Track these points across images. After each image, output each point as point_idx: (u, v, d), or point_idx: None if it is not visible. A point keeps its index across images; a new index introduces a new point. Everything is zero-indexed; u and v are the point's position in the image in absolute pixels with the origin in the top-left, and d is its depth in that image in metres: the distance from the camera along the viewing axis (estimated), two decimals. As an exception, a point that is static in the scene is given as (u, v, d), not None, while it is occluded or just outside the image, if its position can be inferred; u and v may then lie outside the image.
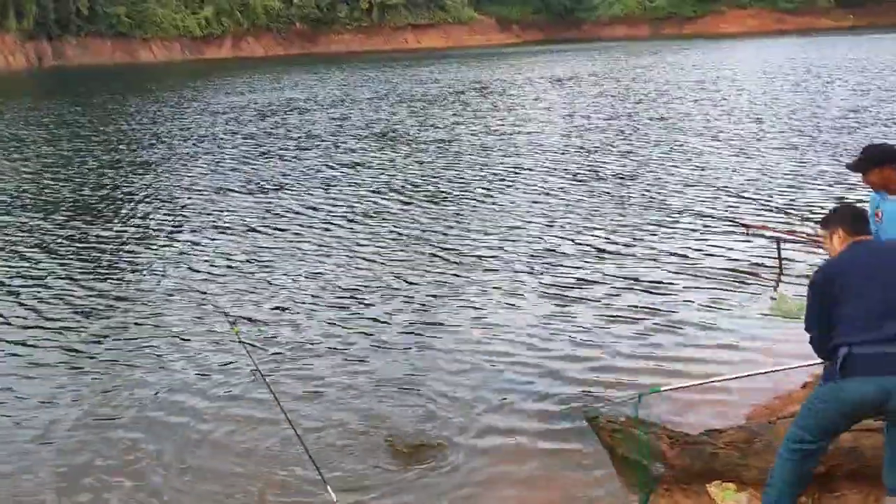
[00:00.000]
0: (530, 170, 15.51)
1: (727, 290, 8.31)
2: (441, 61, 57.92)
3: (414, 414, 5.90)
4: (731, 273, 8.83)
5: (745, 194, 12.56)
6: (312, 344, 7.29)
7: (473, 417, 5.79)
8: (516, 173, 15.20)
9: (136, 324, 7.95)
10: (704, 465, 4.40)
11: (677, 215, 11.45)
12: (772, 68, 37.24)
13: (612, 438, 5.13)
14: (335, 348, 7.18)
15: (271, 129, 23.89)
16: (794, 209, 11.43)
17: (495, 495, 4.91)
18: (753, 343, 6.94)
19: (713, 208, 11.80)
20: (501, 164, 16.34)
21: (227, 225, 12.04)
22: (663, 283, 8.59)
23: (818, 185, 13.22)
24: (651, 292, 8.31)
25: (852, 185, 12.56)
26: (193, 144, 21.27)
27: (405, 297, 8.49)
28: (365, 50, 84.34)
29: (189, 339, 7.49)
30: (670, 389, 5.23)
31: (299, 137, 21.75)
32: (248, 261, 10.06)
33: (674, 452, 4.60)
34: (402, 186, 14.56)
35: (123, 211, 13.52)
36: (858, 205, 4.40)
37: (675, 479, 4.53)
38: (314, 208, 13.01)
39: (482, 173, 15.44)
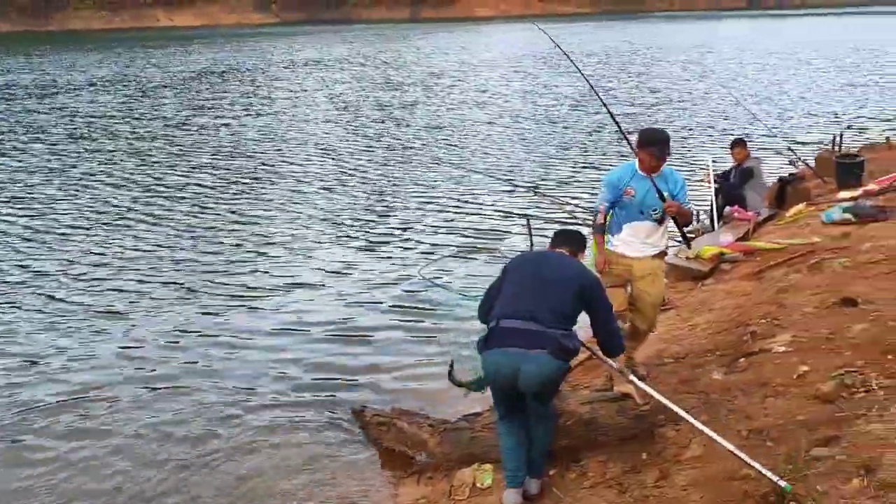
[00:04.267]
0: (290, 163, 15.09)
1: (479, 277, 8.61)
2: (194, 42, 54.67)
3: (188, 408, 5.64)
4: (487, 258, 9.16)
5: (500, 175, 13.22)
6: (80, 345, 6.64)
7: (241, 411, 5.58)
8: (273, 167, 14.71)
9: None
10: (464, 450, 4.46)
11: (440, 198, 11.77)
12: (517, 53, 39.48)
13: (378, 431, 5.10)
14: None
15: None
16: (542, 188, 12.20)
17: (264, 487, 4.72)
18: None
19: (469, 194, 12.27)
20: (256, 156, 15.73)
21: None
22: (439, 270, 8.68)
23: (560, 163, 14.26)
24: (415, 283, 8.30)
25: (589, 163, 13.72)
26: None
27: (160, 298, 7.85)
28: (108, 28, 77.29)
29: None
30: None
31: None
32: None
33: (435, 440, 4.63)
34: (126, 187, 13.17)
35: None
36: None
37: (437, 467, 4.57)
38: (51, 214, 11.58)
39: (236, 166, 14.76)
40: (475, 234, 9.88)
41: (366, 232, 10.13)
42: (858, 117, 17.86)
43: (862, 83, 23.88)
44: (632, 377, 3.96)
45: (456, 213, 10.97)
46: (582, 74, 6.69)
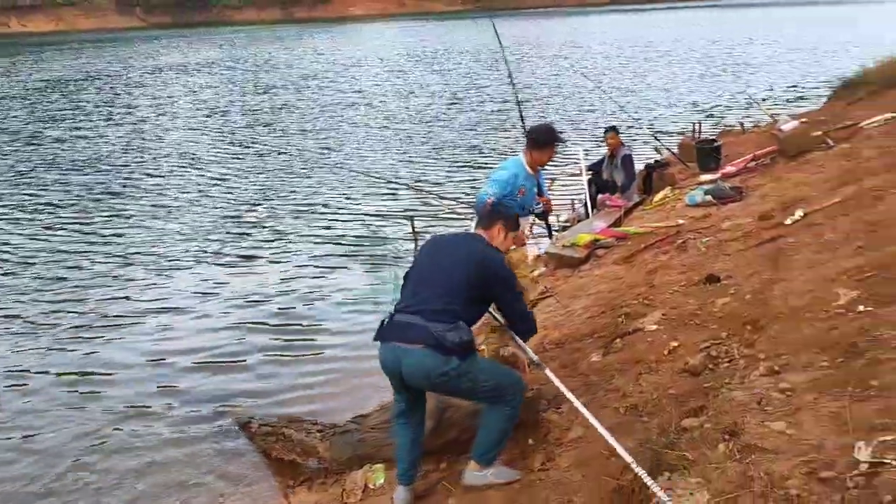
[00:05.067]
0: (156, 174, 14.47)
1: (364, 285, 8.53)
2: (48, 48, 51.41)
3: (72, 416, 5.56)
4: (370, 265, 9.14)
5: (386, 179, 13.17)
6: None
7: (125, 420, 5.51)
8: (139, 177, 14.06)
9: None
10: (354, 451, 4.42)
11: (316, 207, 11.59)
12: (392, 51, 39.45)
13: (266, 441, 4.98)
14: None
15: None
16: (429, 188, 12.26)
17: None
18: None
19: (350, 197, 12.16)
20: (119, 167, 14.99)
21: None
22: (310, 290, 8.52)
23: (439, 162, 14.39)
24: (296, 296, 8.20)
25: (466, 162, 13.90)
26: None
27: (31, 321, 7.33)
28: (-49, 35, 71.58)
29: None
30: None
31: None
32: None
33: (324, 445, 4.56)
34: None
35: None
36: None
37: (329, 471, 4.50)
38: None
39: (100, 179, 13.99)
40: (356, 241, 9.74)
41: (237, 246, 9.73)
42: (716, 105, 19.01)
43: (717, 73, 25.42)
44: (547, 371, 3.89)
45: (335, 219, 10.77)
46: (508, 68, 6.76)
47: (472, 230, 4.01)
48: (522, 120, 6.08)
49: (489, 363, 3.91)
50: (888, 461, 2.47)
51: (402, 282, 3.80)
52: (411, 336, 3.44)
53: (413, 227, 9.38)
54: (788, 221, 6.02)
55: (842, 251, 4.94)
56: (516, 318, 3.85)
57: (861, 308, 3.92)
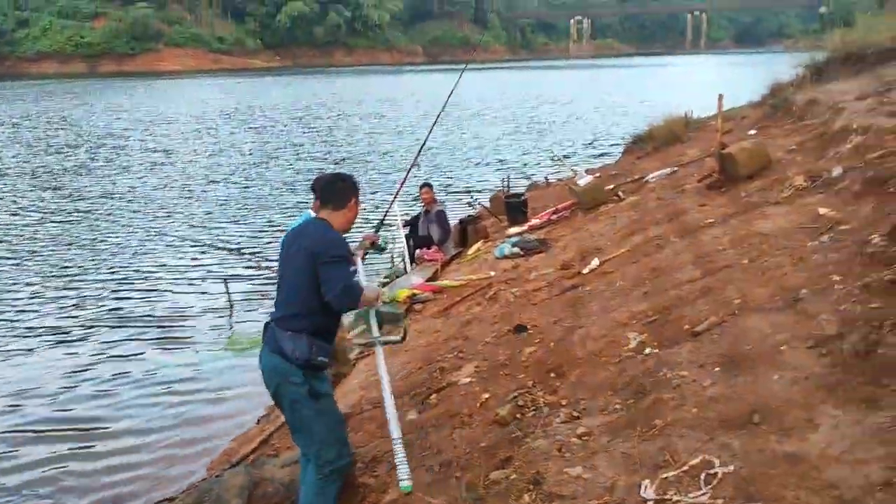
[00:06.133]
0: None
1: (183, 331, 8.16)
2: None
3: None
4: (183, 315, 8.70)
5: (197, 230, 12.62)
6: None
7: None
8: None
9: None
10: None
11: (128, 258, 10.87)
12: (203, 108, 38.03)
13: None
14: None
15: None
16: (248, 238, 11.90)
17: None
18: (209, 383, 6.96)
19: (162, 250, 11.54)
20: None
21: None
22: (128, 338, 8.05)
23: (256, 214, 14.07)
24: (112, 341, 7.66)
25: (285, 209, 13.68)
26: None
27: None
28: None
29: None
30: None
31: None
32: None
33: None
34: None
35: None
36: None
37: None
38: None
39: None
40: (164, 313, 8.95)
41: (16, 330, 8.50)
42: (525, 162, 20.13)
43: (525, 131, 27.08)
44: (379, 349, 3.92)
45: (141, 289, 9.85)
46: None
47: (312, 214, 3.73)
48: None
49: (328, 417, 3.60)
50: (668, 498, 2.67)
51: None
52: (267, 338, 3.50)
53: (228, 290, 9.09)
54: (586, 270, 6.46)
55: (631, 297, 5.37)
56: (337, 292, 3.37)
57: (648, 350, 4.26)
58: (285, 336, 3.40)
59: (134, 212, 14.67)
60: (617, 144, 20.21)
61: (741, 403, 3.19)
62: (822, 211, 5.48)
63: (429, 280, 8.33)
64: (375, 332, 3.85)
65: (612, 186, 9.91)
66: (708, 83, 31.50)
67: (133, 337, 8.19)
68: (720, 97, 8.41)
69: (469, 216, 11.28)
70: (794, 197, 6.20)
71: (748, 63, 60.90)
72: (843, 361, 3.24)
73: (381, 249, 4.49)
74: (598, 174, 11.70)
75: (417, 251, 9.61)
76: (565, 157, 18.80)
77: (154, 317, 8.81)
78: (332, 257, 3.39)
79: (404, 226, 9.97)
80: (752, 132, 10.08)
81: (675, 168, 9.96)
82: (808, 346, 3.50)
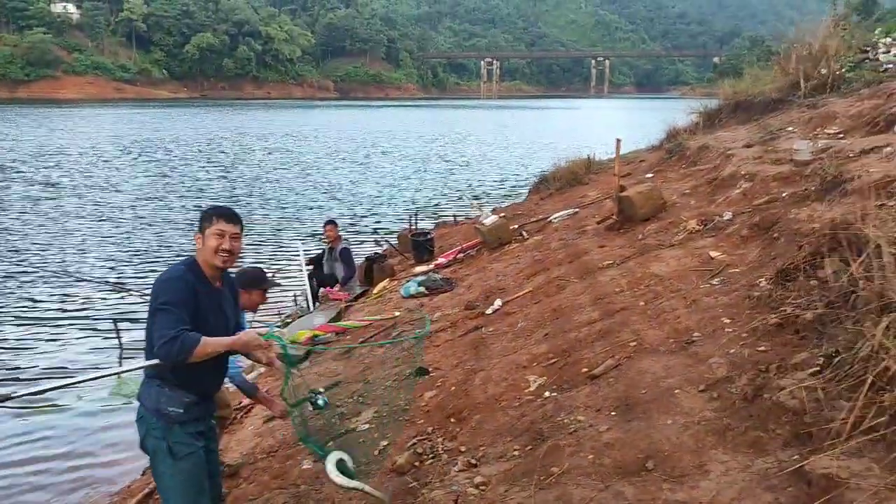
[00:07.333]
0: None
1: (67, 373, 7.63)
2: None
3: None
4: (68, 362, 8.16)
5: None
6: None
7: None
8: None
9: None
10: None
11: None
12: (98, 141, 36.08)
13: None
14: None
15: None
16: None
17: None
18: (91, 435, 6.51)
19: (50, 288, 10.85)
20: None
21: None
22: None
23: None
24: None
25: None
26: None
27: None
28: None
29: None
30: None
31: None
32: None
33: None
34: None
35: None
36: None
37: None
38: None
39: None
40: (47, 358, 8.36)
41: None
42: (434, 200, 20.22)
43: (435, 170, 27.27)
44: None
45: (21, 330, 9.23)
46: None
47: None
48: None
49: (186, 483, 3.20)
50: (562, 551, 2.61)
51: None
52: None
53: (118, 331, 8.59)
54: (489, 311, 6.45)
55: (532, 338, 5.37)
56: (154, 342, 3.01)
57: (547, 394, 4.24)
58: (142, 382, 3.21)
59: (10, 251, 13.59)
60: (522, 185, 20.59)
61: (635, 449, 3.19)
62: (713, 254, 5.66)
63: (332, 320, 8.13)
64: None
65: (516, 226, 10.02)
66: (611, 125, 32.73)
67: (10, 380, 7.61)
68: (618, 142, 8.67)
69: (375, 254, 11.16)
70: (687, 240, 6.40)
71: (648, 108, 63.84)
72: (731, 405, 3.29)
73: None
74: (503, 214, 11.84)
75: (321, 290, 9.40)
76: (475, 198, 18.97)
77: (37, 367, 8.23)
78: (160, 304, 3.02)
79: (308, 264, 9.76)
80: (650, 175, 10.44)
81: (577, 209, 10.18)
82: (700, 389, 3.55)
